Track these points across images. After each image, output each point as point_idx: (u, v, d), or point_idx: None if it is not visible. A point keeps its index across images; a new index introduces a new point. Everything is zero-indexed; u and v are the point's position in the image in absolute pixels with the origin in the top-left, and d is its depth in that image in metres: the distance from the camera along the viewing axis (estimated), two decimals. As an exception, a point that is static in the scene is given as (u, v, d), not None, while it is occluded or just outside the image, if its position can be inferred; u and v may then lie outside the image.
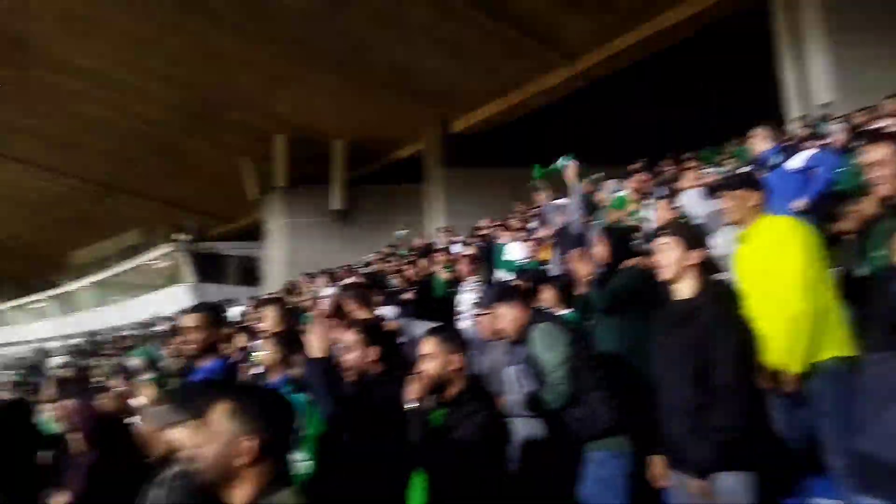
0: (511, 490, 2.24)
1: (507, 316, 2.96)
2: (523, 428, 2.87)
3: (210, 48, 14.24)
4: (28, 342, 27.12)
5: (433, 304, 6.79)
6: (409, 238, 12.90)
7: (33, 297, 29.37)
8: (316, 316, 3.53)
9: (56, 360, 17.78)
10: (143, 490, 2.50)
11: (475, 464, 2.07)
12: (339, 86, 15.44)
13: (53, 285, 28.65)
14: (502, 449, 2.26)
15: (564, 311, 3.70)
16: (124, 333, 18.10)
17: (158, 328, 16.28)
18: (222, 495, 1.44)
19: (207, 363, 2.88)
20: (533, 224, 8.46)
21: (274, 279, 18.62)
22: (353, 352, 2.82)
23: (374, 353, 2.77)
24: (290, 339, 3.66)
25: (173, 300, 20.69)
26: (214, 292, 19.80)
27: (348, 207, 19.12)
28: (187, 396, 2.14)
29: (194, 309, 3.14)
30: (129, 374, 7.75)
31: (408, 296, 7.18)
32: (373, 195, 19.51)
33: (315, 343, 2.69)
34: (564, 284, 3.95)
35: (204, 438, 1.47)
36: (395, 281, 8.39)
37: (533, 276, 4.46)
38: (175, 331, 11.03)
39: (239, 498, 1.42)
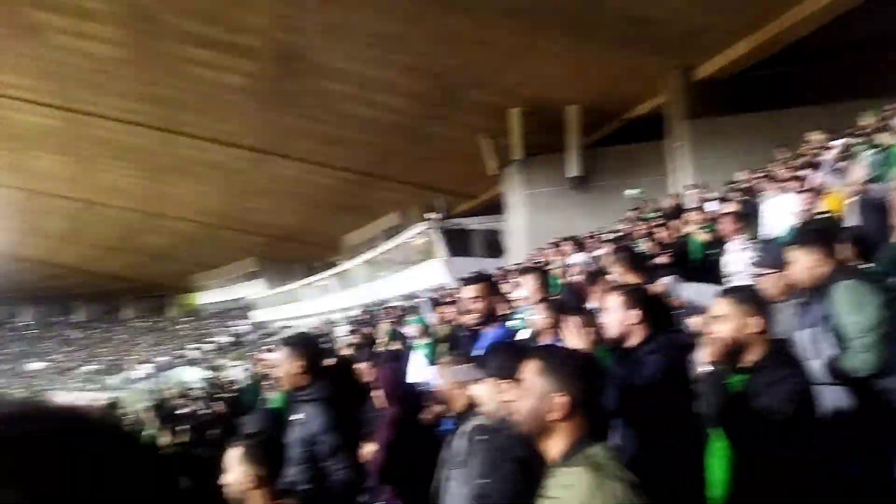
0: (823, 462, 2.05)
1: (804, 263, 2.61)
2: (829, 396, 2.59)
3: (447, 35, 15.02)
4: (316, 315, 31.83)
5: (690, 267, 6.43)
6: (642, 197, 12.30)
7: (318, 276, 34.19)
8: (567, 318, 3.56)
9: (341, 330, 20.59)
10: (445, 441, 2.80)
11: (785, 433, 1.92)
12: (570, 50, 15.18)
13: (333, 265, 33.07)
14: (812, 418, 2.07)
15: (867, 267, 3.22)
16: (392, 305, 20.28)
17: (420, 299, 17.89)
18: (538, 447, 1.56)
19: (492, 329, 3.07)
20: (805, 171, 7.45)
21: (517, 250, 19.20)
22: (613, 315, 2.80)
23: (635, 316, 2.72)
24: (560, 305, 3.76)
25: (430, 274, 22.59)
26: (464, 265, 21.06)
27: (586, 173, 18.80)
28: (487, 357, 2.34)
29: (474, 280, 3.37)
30: (405, 339, 8.65)
31: (661, 260, 6.88)
32: (611, 158, 18.92)
33: (574, 340, 2.69)
34: (862, 236, 3.44)
35: (517, 395, 1.61)
36: (645, 245, 8.07)
37: (823, 227, 3.93)
38: (439, 300, 11.97)
39: (554, 450, 1.53)
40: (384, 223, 28.88)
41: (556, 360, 1.58)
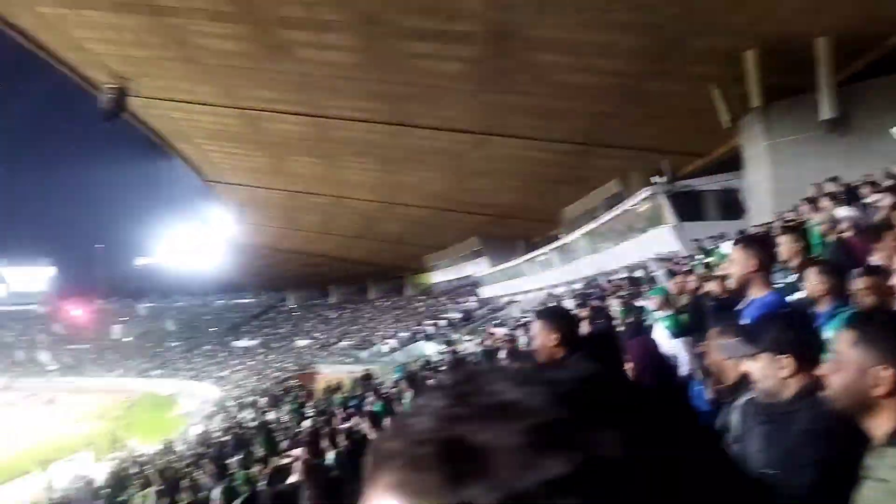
0: None
1: None
2: None
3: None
4: (539, 289, 32.23)
5: None
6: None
7: (539, 251, 34.53)
8: (853, 280, 3.04)
9: (567, 304, 20.60)
10: (720, 413, 2.63)
11: None
12: (816, -27, 13.18)
13: (553, 239, 33.14)
14: None
15: None
16: (619, 276, 19.72)
17: (651, 269, 17.13)
18: (860, 424, 1.38)
19: (759, 296, 2.78)
20: None
21: (759, 209, 17.37)
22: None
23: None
24: (834, 266, 3.31)
25: (657, 242, 21.47)
26: (697, 230, 19.67)
27: (842, 114, 16.20)
28: (761, 329, 2.14)
29: (735, 242, 3.09)
30: (640, 312, 8.36)
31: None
32: (874, 93, 16.06)
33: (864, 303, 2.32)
34: None
35: (829, 369, 1.43)
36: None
37: None
38: (675, 269, 11.35)
39: (880, 428, 1.34)
40: (604, 192, 28.06)
41: (875, 328, 1.37)
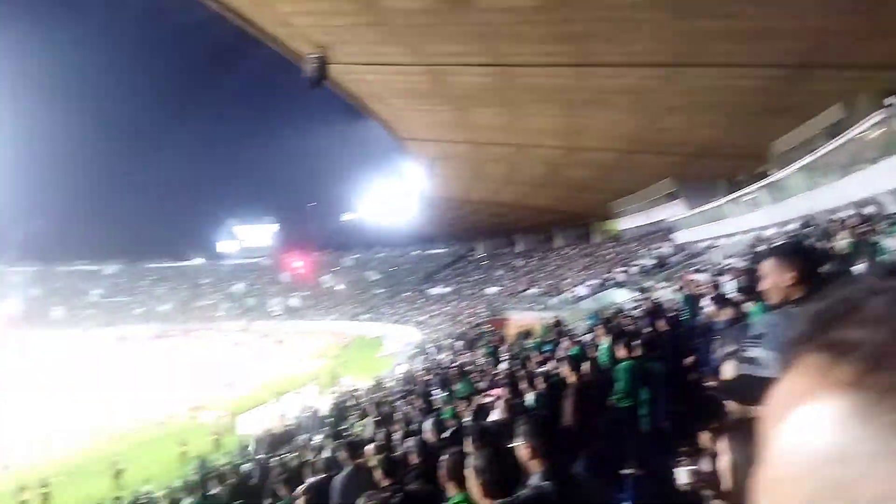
0: None
1: None
2: None
3: None
4: (745, 232, 29.53)
5: None
6: None
7: (744, 191, 31.48)
8: None
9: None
10: None
11: None
12: None
13: (761, 176, 29.97)
14: None
15: None
16: (844, 215, 17.39)
17: (884, 205, 14.89)
18: None
19: None
20: None
21: None
22: None
23: None
24: None
25: (893, 173, 18.47)
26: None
27: None
28: None
29: None
30: (874, 251, 7.37)
31: None
32: None
33: None
34: None
35: None
36: None
37: None
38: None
39: None
40: (824, 120, 24.62)
41: None
